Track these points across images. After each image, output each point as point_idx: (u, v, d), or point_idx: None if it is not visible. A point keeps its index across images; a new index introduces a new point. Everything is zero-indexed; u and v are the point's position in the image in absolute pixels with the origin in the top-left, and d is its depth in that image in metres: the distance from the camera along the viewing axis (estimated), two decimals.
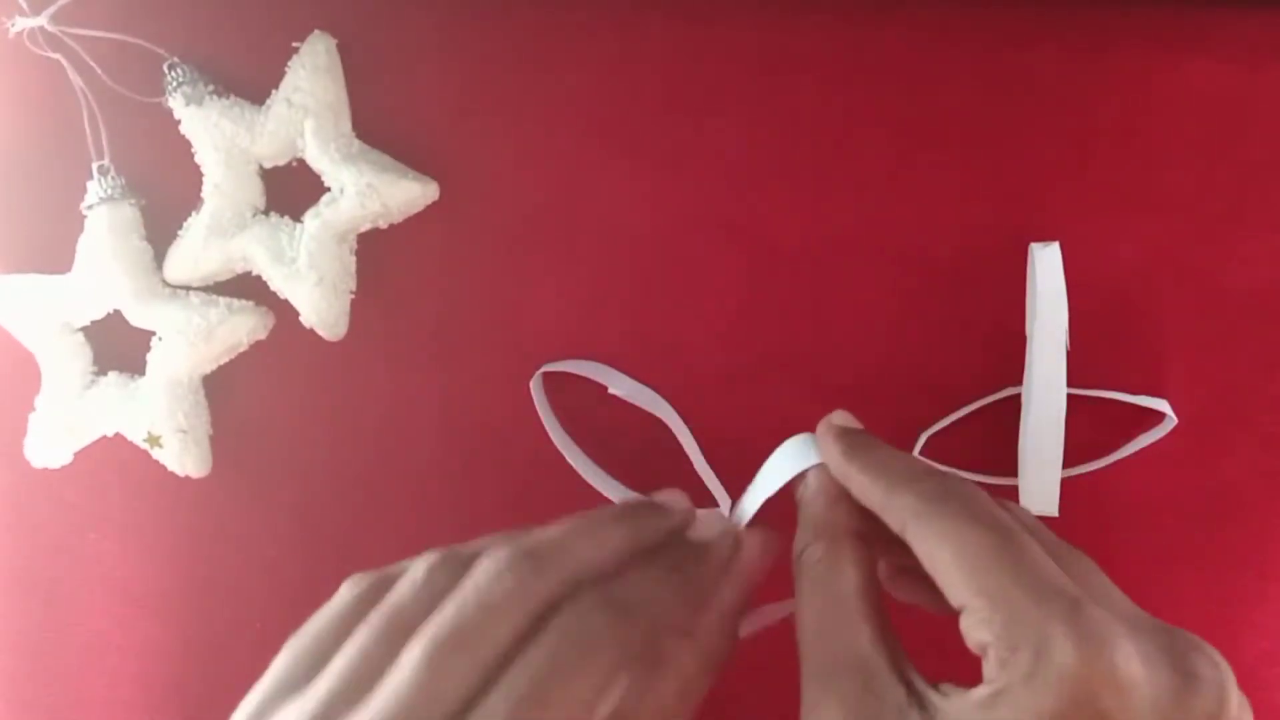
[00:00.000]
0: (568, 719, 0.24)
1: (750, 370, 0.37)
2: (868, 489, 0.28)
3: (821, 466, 0.29)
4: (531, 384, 0.38)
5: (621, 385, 0.37)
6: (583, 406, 0.38)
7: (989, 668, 0.24)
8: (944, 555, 0.25)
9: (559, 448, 0.38)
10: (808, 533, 0.28)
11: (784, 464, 0.30)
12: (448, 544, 0.40)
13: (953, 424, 0.37)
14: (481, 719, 0.24)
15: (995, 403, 0.37)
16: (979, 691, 0.24)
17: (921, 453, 0.37)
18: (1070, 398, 0.36)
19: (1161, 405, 0.36)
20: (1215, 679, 0.24)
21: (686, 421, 0.38)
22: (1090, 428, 0.37)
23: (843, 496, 0.28)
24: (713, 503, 0.38)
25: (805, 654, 0.27)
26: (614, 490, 0.38)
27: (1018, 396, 0.36)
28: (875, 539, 0.28)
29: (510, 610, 0.25)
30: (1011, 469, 0.37)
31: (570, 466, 0.38)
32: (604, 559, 0.27)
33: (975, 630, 0.24)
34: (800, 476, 0.29)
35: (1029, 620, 0.24)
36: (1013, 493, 0.37)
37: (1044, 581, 0.24)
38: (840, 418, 0.30)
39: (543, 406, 0.38)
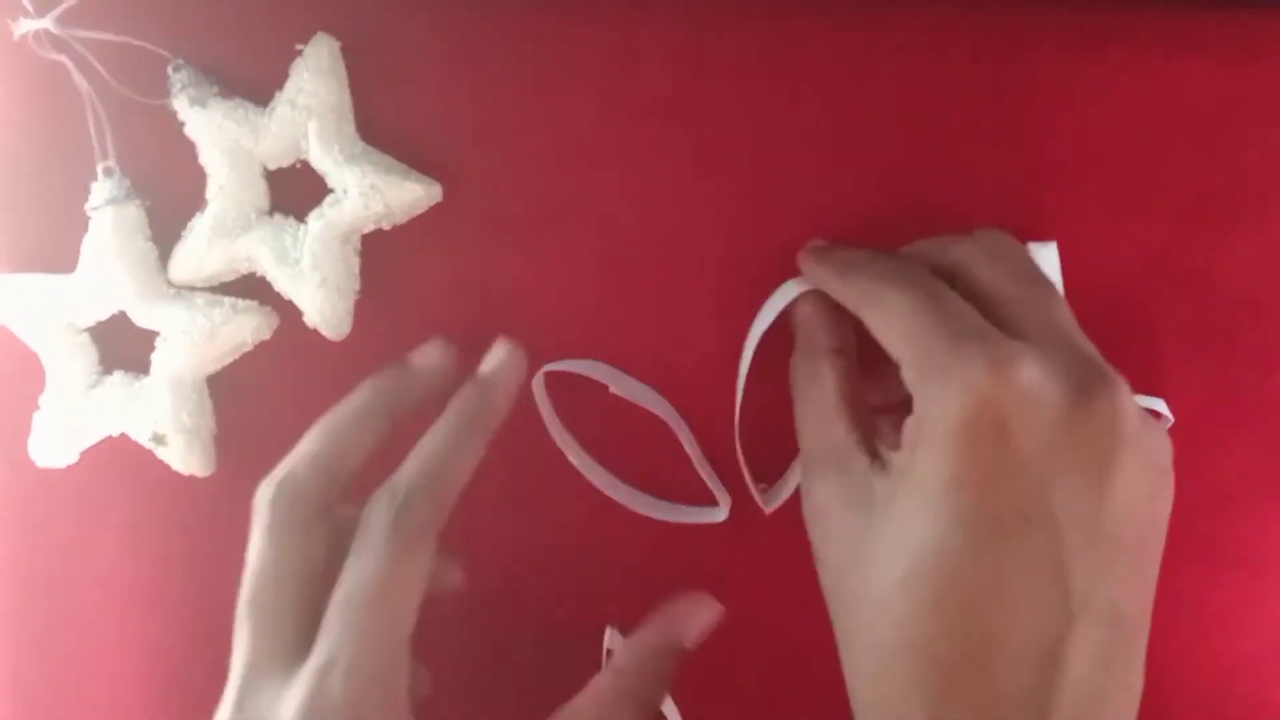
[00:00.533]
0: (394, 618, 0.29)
1: (752, 367, 0.37)
2: (830, 282, 0.33)
3: (803, 297, 0.34)
4: (534, 384, 0.38)
5: (623, 385, 0.38)
6: (584, 407, 0.38)
7: (915, 403, 0.27)
8: (880, 319, 0.29)
9: (561, 447, 0.38)
10: (797, 353, 0.34)
11: (777, 301, 0.35)
12: (448, 545, 0.40)
13: None
14: (319, 652, 0.28)
15: None
16: (907, 422, 0.27)
17: None
18: None
19: (1159, 405, 0.36)
20: (1107, 402, 0.26)
21: (687, 421, 0.38)
22: None
23: (821, 322, 0.33)
24: (713, 501, 0.38)
25: (801, 446, 0.32)
26: (617, 490, 0.38)
27: None
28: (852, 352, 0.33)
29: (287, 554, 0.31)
30: None
31: (570, 466, 0.38)
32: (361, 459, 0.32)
33: (906, 377, 0.28)
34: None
35: (942, 352, 0.27)
36: None
37: (961, 324, 0.27)
38: (815, 241, 0.35)
39: (545, 406, 0.38)
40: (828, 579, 0.30)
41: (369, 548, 0.29)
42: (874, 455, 0.29)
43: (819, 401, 0.32)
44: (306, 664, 0.28)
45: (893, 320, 0.29)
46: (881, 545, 0.27)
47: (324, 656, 0.28)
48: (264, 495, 0.31)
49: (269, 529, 0.31)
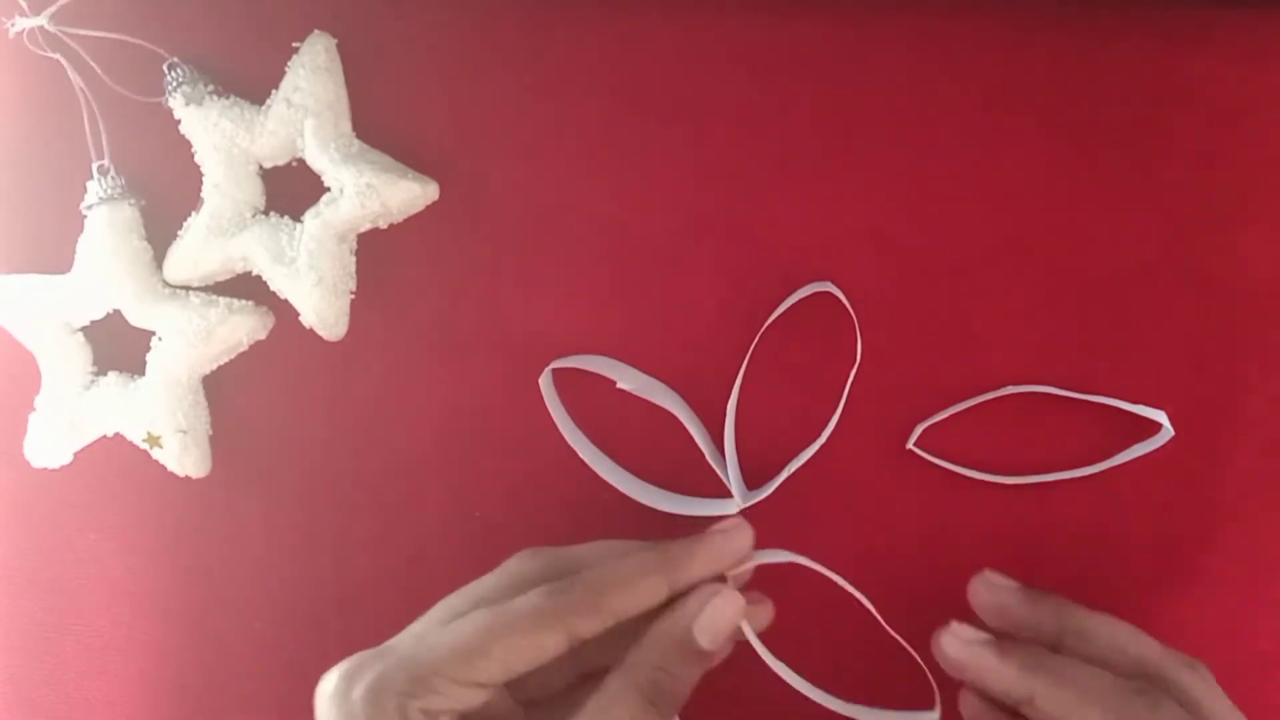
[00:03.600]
0: None
1: (758, 363, 0.37)
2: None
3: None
4: (541, 380, 0.38)
5: (631, 379, 0.37)
6: (591, 402, 0.38)
7: None
8: None
9: (570, 443, 0.38)
10: None
11: None
12: (444, 544, 0.40)
13: (951, 423, 0.37)
14: None
15: (994, 401, 0.37)
16: None
17: (918, 444, 0.37)
18: (1070, 401, 0.37)
19: (1159, 416, 0.36)
20: None
21: (696, 414, 0.38)
22: (1090, 431, 0.37)
23: None
24: (726, 493, 0.38)
25: None
26: (628, 485, 0.38)
27: (1017, 396, 0.36)
28: None
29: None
30: (1009, 468, 0.37)
31: (571, 465, 0.38)
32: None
33: None
34: None
35: None
36: (1013, 492, 0.37)
37: None
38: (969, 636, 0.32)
39: (553, 402, 0.38)
40: None
41: None
42: None
43: None
44: None
45: None
46: None
47: None
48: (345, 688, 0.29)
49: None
